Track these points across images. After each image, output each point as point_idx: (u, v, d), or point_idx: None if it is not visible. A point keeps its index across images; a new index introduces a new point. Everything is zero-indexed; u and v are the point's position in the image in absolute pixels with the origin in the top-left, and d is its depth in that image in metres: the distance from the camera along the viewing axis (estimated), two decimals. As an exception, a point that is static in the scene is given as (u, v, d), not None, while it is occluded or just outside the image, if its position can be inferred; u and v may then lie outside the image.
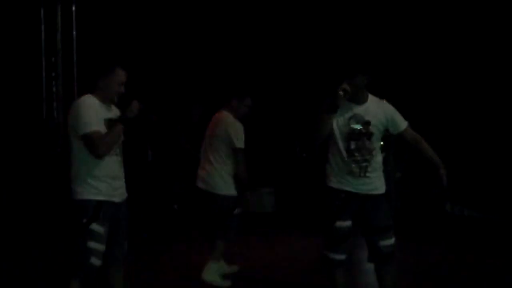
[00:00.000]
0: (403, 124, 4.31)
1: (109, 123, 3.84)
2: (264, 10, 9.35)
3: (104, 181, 3.84)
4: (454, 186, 8.11)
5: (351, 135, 4.11)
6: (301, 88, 9.46)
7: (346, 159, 4.12)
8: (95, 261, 3.79)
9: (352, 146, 4.11)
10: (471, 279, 5.52)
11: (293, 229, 8.07)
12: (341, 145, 4.13)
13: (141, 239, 6.79)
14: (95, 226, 3.77)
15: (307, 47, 9.37)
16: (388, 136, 8.38)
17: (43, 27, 8.62)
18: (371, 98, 4.23)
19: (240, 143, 5.14)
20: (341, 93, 4.01)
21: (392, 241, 4.19)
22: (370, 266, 4.40)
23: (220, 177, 5.19)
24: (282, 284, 5.46)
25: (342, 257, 4.20)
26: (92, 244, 3.76)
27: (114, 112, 3.99)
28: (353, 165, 4.11)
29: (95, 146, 3.74)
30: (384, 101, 4.28)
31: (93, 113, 3.79)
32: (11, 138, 8.18)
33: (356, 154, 4.11)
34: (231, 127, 5.16)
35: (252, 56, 9.56)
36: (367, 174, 4.13)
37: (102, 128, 3.80)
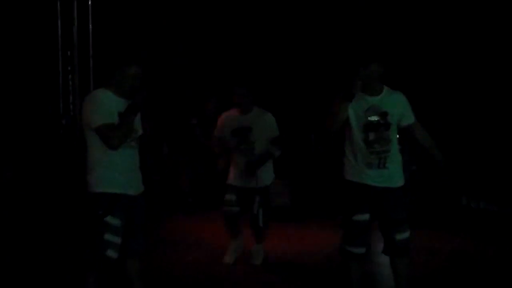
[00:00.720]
0: (413, 117, 4.29)
1: (121, 116, 3.86)
2: (276, 3, 9.34)
3: (120, 173, 3.86)
4: (470, 180, 8.10)
5: (369, 126, 4.09)
6: (317, 80, 9.43)
7: (365, 150, 4.09)
8: (112, 253, 3.81)
9: (371, 137, 4.08)
10: (487, 271, 5.50)
11: (308, 222, 8.07)
12: (359, 136, 4.11)
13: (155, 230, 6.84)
14: (110, 219, 3.79)
15: (322, 40, 9.34)
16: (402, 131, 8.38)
17: (59, 21, 8.67)
18: (386, 88, 4.21)
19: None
20: (359, 82, 4.00)
21: (407, 234, 4.17)
22: (385, 259, 4.39)
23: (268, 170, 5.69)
24: (299, 276, 5.47)
25: (361, 250, 4.19)
26: (108, 237, 3.79)
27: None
28: (373, 156, 4.08)
29: (109, 138, 3.76)
30: (399, 92, 4.26)
31: (106, 106, 3.80)
32: (28, 132, 8.25)
33: (375, 145, 4.08)
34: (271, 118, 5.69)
35: (267, 49, 9.55)
36: (386, 165, 4.11)
37: (116, 121, 3.82)
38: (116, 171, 3.85)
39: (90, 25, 8.76)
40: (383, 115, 4.11)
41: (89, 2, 8.74)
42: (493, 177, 8.06)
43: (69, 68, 8.78)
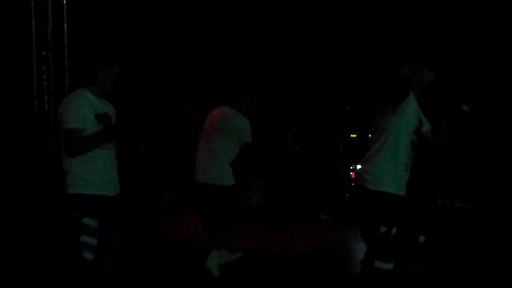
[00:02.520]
0: None
1: (98, 118, 3.84)
2: (254, 6, 9.36)
3: (97, 174, 3.84)
4: (444, 179, 8.21)
5: (415, 131, 3.97)
6: (295, 81, 9.47)
7: (408, 156, 3.92)
8: (88, 255, 3.79)
9: (414, 141, 3.96)
10: (461, 267, 5.58)
11: (284, 221, 8.11)
12: (407, 142, 3.92)
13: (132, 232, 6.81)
14: (87, 220, 3.77)
15: (301, 43, 9.39)
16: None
17: (33, 20, 8.57)
18: None
19: (250, 137, 5.31)
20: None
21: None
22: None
23: (223, 169, 5.25)
24: (277, 274, 5.49)
25: (392, 265, 3.90)
26: (85, 238, 3.76)
27: (109, 108, 3.99)
28: (410, 162, 3.94)
29: (71, 143, 3.77)
30: None
31: (80, 109, 3.79)
32: (2, 133, 8.14)
33: (412, 150, 3.97)
34: (244, 123, 5.30)
35: (243, 51, 9.56)
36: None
37: (90, 125, 3.80)
38: (92, 173, 3.83)
39: (65, 25, 8.67)
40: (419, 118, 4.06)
41: (64, 2, 8.65)
42: (466, 177, 8.18)
43: (43, 68, 8.67)
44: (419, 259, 4.00)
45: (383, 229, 3.76)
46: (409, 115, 3.89)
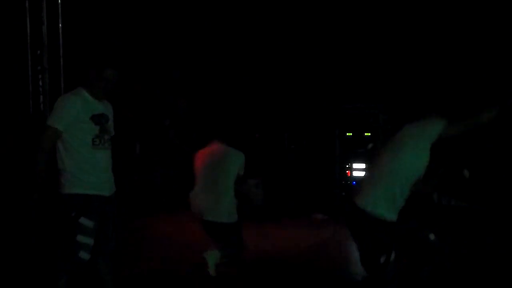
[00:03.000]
0: None
1: (95, 119, 3.84)
2: (251, 3, 9.35)
3: (92, 174, 3.83)
4: (441, 178, 8.21)
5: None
6: (290, 80, 9.47)
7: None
8: (84, 255, 3.78)
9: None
10: (459, 265, 5.60)
11: (280, 220, 8.12)
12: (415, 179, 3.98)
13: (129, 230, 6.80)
14: (83, 220, 3.76)
15: (296, 43, 9.40)
16: (376, 127, 8.46)
17: (28, 19, 8.54)
18: None
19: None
20: None
21: None
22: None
23: (231, 206, 5.37)
24: (273, 273, 5.49)
25: None
26: (81, 238, 3.76)
27: (107, 108, 3.99)
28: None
29: (43, 139, 3.82)
30: None
31: (69, 111, 3.80)
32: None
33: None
34: (242, 157, 5.45)
35: (239, 49, 9.55)
36: None
37: (80, 124, 3.79)
38: (88, 172, 3.82)
39: (60, 24, 8.63)
40: None
41: (59, 1, 8.61)
42: (462, 176, 8.19)
43: (39, 68, 8.64)
44: (431, 259, 3.97)
45: (382, 259, 3.78)
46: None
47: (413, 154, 3.79)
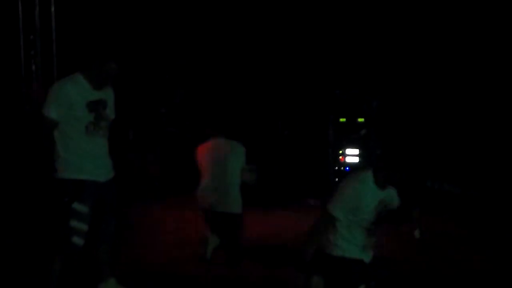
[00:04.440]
0: None
1: (90, 106, 3.82)
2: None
3: (87, 160, 3.83)
4: (434, 163, 8.25)
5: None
6: (283, 67, 9.47)
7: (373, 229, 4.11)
8: (78, 240, 3.79)
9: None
10: (452, 249, 5.66)
11: (274, 206, 8.14)
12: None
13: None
14: (77, 205, 3.76)
15: (288, 36, 9.40)
16: (370, 113, 8.48)
17: (20, 4, 8.47)
18: None
19: None
20: None
21: None
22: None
23: (239, 197, 5.56)
24: (265, 258, 5.52)
25: None
26: (74, 223, 3.76)
27: (106, 93, 3.96)
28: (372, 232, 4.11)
29: (40, 129, 3.84)
30: None
31: (63, 98, 3.78)
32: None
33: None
34: (243, 148, 5.68)
35: (233, 38, 9.54)
36: None
37: (76, 111, 3.77)
38: (83, 158, 3.82)
39: (52, 8, 8.57)
40: None
41: (51, -15, 8.54)
42: (455, 161, 8.24)
43: (31, 53, 8.59)
44: None
45: None
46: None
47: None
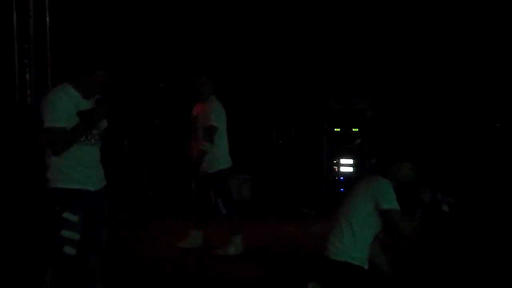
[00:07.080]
0: None
1: (81, 115, 3.81)
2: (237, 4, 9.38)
3: (78, 169, 3.82)
4: (427, 173, 8.26)
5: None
6: (278, 76, 9.49)
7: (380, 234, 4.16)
8: (70, 250, 3.77)
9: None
10: (444, 258, 5.66)
11: (268, 215, 8.13)
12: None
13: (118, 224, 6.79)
14: (68, 215, 3.75)
15: (285, 39, 9.42)
16: (364, 123, 8.49)
17: (15, 13, 8.48)
18: None
19: None
20: None
21: None
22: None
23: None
24: (259, 267, 5.50)
25: None
26: (65, 233, 3.74)
27: (94, 101, 3.95)
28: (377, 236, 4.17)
29: (54, 143, 3.74)
30: None
31: (63, 107, 3.75)
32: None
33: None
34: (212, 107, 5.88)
35: (228, 45, 9.56)
36: None
37: (72, 122, 3.76)
38: (74, 167, 3.80)
39: (47, 18, 8.58)
40: None
41: (46, -6, 8.56)
42: (449, 171, 8.26)
43: (26, 62, 8.59)
44: None
45: None
46: None
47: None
